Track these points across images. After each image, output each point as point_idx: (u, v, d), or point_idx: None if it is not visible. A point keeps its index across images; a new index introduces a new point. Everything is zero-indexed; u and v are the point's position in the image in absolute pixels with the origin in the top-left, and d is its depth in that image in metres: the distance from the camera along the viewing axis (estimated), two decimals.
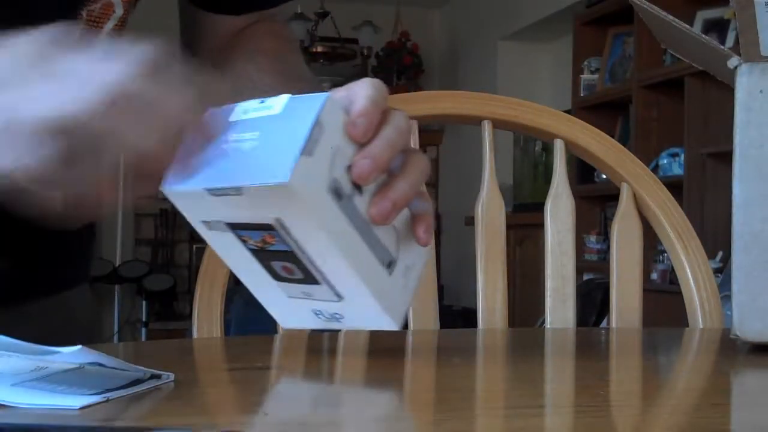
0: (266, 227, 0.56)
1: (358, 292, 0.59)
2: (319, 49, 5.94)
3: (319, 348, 0.87)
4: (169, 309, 5.94)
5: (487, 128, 1.04)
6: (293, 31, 4.31)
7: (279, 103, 0.57)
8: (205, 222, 0.60)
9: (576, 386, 0.66)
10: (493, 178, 1.04)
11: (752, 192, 0.76)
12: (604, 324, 3.73)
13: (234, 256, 0.60)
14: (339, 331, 0.68)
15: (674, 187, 3.01)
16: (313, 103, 0.56)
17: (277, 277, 0.60)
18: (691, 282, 1.01)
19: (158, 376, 0.56)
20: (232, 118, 0.58)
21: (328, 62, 5.93)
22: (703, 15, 3.81)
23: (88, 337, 0.97)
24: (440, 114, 1.05)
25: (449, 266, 6.02)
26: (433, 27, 6.69)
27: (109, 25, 0.84)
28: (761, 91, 0.75)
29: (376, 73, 6.39)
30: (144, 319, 5.82)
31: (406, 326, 0.99)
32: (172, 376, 0.57)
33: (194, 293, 0.94)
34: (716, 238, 3.34)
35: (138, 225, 6.19)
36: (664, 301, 3.24)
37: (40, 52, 0.56)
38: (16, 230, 0.87)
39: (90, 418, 0.48)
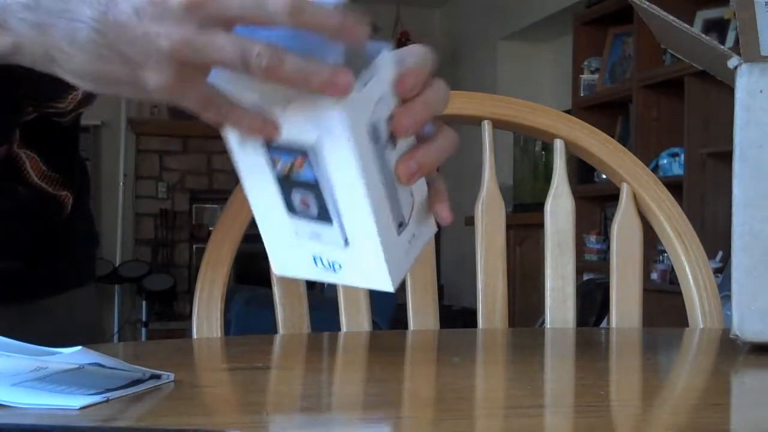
0: (300, 151, 0.56)
1: (368, 240, 0.59)
2: None
3: (319, 348, 0.87)
4: (169, 309, 5.94)
5: (487, 128, 1.04)
6: None
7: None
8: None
9: (576, 386, 0.66)
10: (493, 178, 1.04)
11: (752, 192, 0.76)
12: (604, 324, 3.73)
13: (256, 182, 0.60)
14: (334, 287, 0.66)
15: (674, 187, 3.01)
16: (370, 48, 0.57)
17: (291, 209, 0.60)
18: (691, 282, 1.01)
19: (158, 376, 0.56)
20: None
21: None
22: (703, 15, 3.81)
23: (93, 336, 0.98)
24: (440, 114, 1.05)
25: (449, 266, 6.02)
26: (433, 27, 6.69)
27: None
28: (761, 91, 0.75)
29: None
30: (144, 319, 5.82)
31: (406, 326, 0.99)
32: (172, 376, 0.57)
33: (194, 293, 0.94)
34: (716, 238, 3.34)
35: (138, 225, 6.19)
36: (664, 301, 3.25)
37: None
38: (24, 231, 0.88)
39: (90, 418, 0.48)
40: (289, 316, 0.96)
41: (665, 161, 3.88)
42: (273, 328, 0.96)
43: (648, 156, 3.84)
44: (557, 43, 5.56)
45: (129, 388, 0.53)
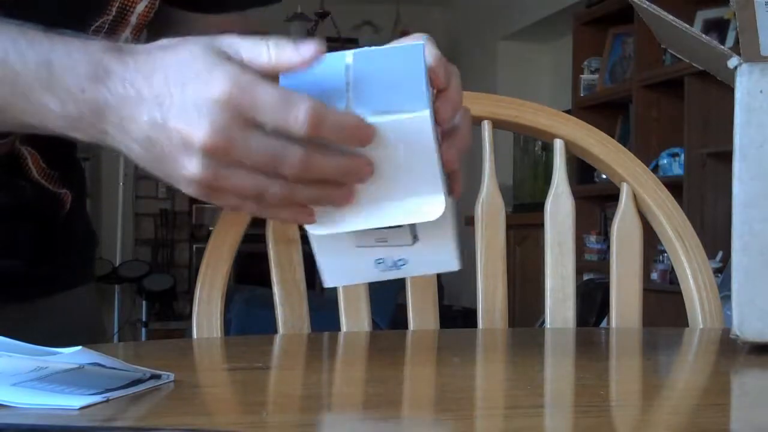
0: None
1: (437, 231, 0.61)
2: None
3: (319, 348, 0.87)
4: (169, 309, 5.94)
5: (487, 128, 1.04)
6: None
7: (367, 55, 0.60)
8: None
9: (576, 386, 0.66)
10: (493, 178, 1.04)
11: (752, 192, 0.76)
12: (604, 324, 3.73)
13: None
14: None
15: (674, 187, 3.01)
16: (415, 55, 0.60)
17: None
18: (691, 282, 1.00)
19: (158, 376, 0.56)
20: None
21: None
22: (703, 15, 3.80)
23: (93, 336, 0.98)
24: None
25: None
26: (433, 27, 6.69)
27: (126, 34, 0.85)
28: (761, 91, 0.75)
29: None
30: (144, 319, 5.82)
31: (406, 326, 0.99)
32: (172, 376, 0.57)
33: (194, 293, 0.94)
34: (716, 238, 3.34)
35: (138, 225, 6.19)
36: (664, 301, 3.25)
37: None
38: (24, 229, 0.88)
39: (90, 418, 0.48)
40: (289, 316, 0.96)
41: (665, 161, 3.88)
42: (273, 328, 0.96)
43: (648, 156, 3.83)
44: (557, 43, 5.56)
45: (129, 388, 0.53)
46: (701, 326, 0.99)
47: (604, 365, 0.76)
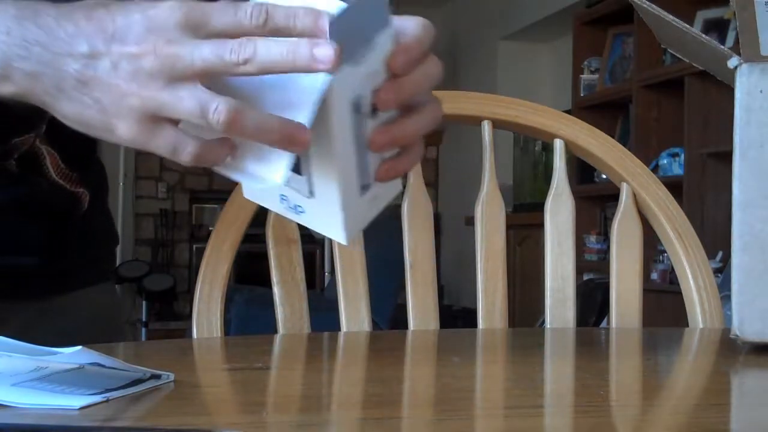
0: None
1: (329, 198, 0.61)
2: None
3: (319, 348, 0.87)
4: (169, 309, 5.94)
5: (487, 128, 1.04)
6: None
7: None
8: None
9: (576, 386, 0.66)
10: (493, 178, 1.04)
11: (752, 192, 0.76)
12: (604, 324, 3.73)
13: None
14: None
15: (674, 187, 3.00)
16: (373, 23, 0.60)
17: None
18: (691, 282, 1.01)
19: (158, 376, 0.56)
20: None
21: None
22: (703, 15, 3.80)
23: (111, 333, 0.98)
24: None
25: (449, 266, 6.02)
26: (434, 27, 6.68)
27: None
28: (761, 91, 0.75)
29: None
30: (144, 319, 5.82)
31: (406, 326, 0.99)
32: (172, 376, 0.57)
33: (194, 293, 0.94)
34: (716, 238, 3.34)
35: (138, 225, 6.19)
36: (664, 301, 3.25)
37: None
38: (44, 227, 0.88)
39: (90, 418, 0.48)
40: (289, 316, 0.96)
41: (665, 161, 3.88)
42: (273, 328, 0.96)
43: (648, 156, 3.83)
44: (557, 43, 5.56)
45: (129, 388, 0.53)
46: (701, 326, 0.99)
47: (604, 365, 0.76)
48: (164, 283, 5.84)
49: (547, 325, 1.02)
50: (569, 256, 1.03)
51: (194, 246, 6.21)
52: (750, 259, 0.76)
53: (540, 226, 1.06)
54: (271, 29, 0.57)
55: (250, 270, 4.41)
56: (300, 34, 0.57)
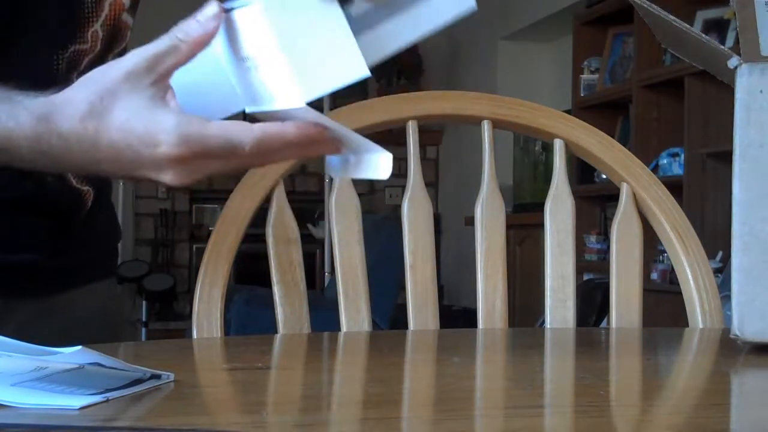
0: None
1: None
2: None
3: (319, 348, 0.87)
4: (169, 309, 5.93)
5: (487, 128, 1.04)
6: None
7: None
8: None
9: (576, 386, 0.66)
10: (493, 178, 1.04)
11: (752, 192, 0.76)
12: (604, 324, 3.73)
13: None
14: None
15: (674, 187, 3.01)
16: None
17: None
18: (691, 282, 1.01)
19: (158, 376, 0.56)
20: None
21: None
22: (703, 15, 3.80)
23: (115, 330, 0.99)
24: (440, 114, 1.06)
25: (449, 266, 6.02)
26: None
27: (85, 62, 0.87)
28: (761, 91, 0.75)
29: (376, 73, 6.39)
30: (144, 319, 5.82)
31: (406, 326, 0.99)
32: (172, 376, 0.57)
33: (194, 293, 0.94)
34: (716, 238, 3.33)
35: (138, 225, 6.19)
36: (664, 301, 3.25)
37: None
38: (48, 224, 0.89)
39: (90, 418, 0.48)
40: (289, 316, 0.96)
41: (665, 161, 3.87)
42: (273, 328, 0.96)
43: (648, 156, 3.83)
44: (557, 43, 5.56)
45: (129, 388, 0.53)
46: (701, 326, 0.99)
47: (604, 365, 0.76)
48: (164, 283, 5.83)
49: (547, 325, 1.02)
50: (569, 256, 1.03)
51: (194, 246, 6.21)
52: (750, 259, 0.76)
53: (540, 226, 1.06)
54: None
55: (250, 270, 4.41)
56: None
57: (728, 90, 0.78)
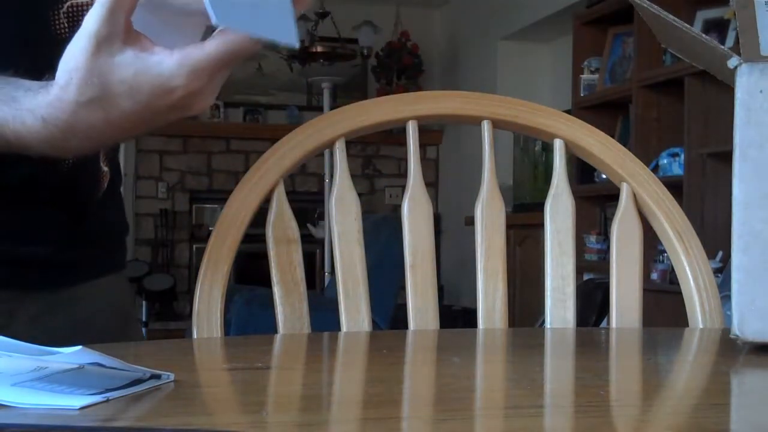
0: None
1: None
2: (319, 49, 5.94)
3: (319, 348, 0.87)
4: (169, 309, 5.93)
5: (487, 128, 1.04)
6: None
7: None
8: None
9: (576, 386, 0.66)
10: (493, 178, 1.04)
11: (752, 192, 0.76)
12: (604, 324, 3.73)
13: None
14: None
15: (674, 187, 3.01)
16: None
17: None
18: (691, 282, 1.01)
19: (158, 376, 0.56)
20: None
21: (327, 62, 5.93)
22: (703, 15, 3.80)
23: (125, 324, 0.99)
24: (440, 114, 1.06)
25: (449, 266, 6.02)
26: (433, 27, 6.69)
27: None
28: (761, 91, 0.75)
29: (376, 74, 6.39)
30: (144, 319, 5.82)
31: (406, 326, 0.99)
32: (172, 376, 0.57)
33: (194, 293, 0.94)
34: (716, 238, 3.33)
35: (138, 225, 6.19)
36: (664, 301, 3.25)
37: None
38: (57, 217, 0.89)
39: (90, 418, 0.48)
40: (289, 316, 0.96)
41: (665, 161, 3.88)
42: (273, 328, 0.96)
43: (648, 156, 3.83)
44: (557, 43, 5.56)
45: (129, 388, 0.53)
46: (701, 326, 0.99)
47: (604, 365, 0.76)
48: (164, 283, 5.83)
49: (547, 325, 1.02)
50: (569, 256, 1.03)
51: (194, 246, 6.21)
52: (750, 259, 0.76)
53: (540, 226, 1.06)
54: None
55: (250, 270, 4.41)
56: None
57: (728, 90, 0.78)
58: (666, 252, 1.07)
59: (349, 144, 1.01)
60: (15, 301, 0.87)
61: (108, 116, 0.66)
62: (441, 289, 5.81)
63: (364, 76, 6.41)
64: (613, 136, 1.10)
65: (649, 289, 2.76)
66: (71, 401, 0.49)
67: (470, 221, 1.06)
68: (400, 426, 0.51)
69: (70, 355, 0.52)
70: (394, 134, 4.98)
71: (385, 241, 3.35)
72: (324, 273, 5.39)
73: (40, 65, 0.69)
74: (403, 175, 1.02)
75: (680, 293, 1.02)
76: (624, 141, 4.09)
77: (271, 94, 6.46)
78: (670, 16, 0.79)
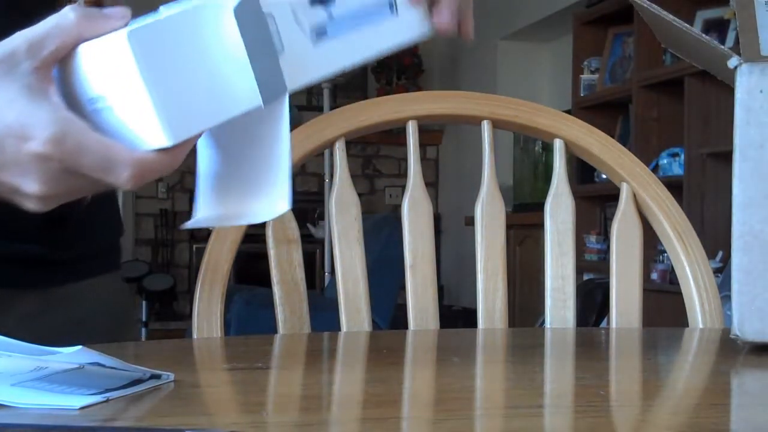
0: None
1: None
2: None
3: (319, 348, 0.87)
4: (169, 309, 5.94)
5: (487, 128, 1.04)
6: None
7: None
8: None
9: (576, 386, 0.66)
10: (493, 178, 1.04)
11: (752, 192, 0.76)
12: (604, 324, 3.73)
13: None
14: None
15: (674, 187, 3.01)
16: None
17: None
18: (691, 282, 1.01)
19: (158, 376, 0.56)
20: None
21: None
22: (703, 15, 3.81)
23: (119, 325, 0.98)
24: (440, 114, 1.06)
25: (449, 266, 6.02)
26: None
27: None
28: (761, 91, 0.75)
29: (376, 74, 6.39)
30: (144, 319, 5.82)
31: (406, 326, 0.99)
32: (172, 376, 0.57)
33: (194, 293, 0.94)
34: (716, 238, 3.34)
35: (138, 225, 6.19)
36: (664, 301, 3.25)
37: None
38: (50, 216, 0.88)
39: (90, 418, 0.48)
40: (289, 316, 0.96)
41: (665, 161, 3.88)
42: (273, 328, 0.96)
43: (648, 156, 3.84)
44: (557, 43, 5.56)
45: (129, 388, 0.53)
46: (701, 326, 0.99)
47: (604, 365, 0.76)
48: (164, 283, 5.83)
49: (547, 325, 1.02)
50: (569, 256, 1.03)
51: (194, 246, 6.21)
52: (750, 259, 0.76)
53: (540, 226, 1.06)
54: None
55: (250, 270, 4.41)
56: None
57: (728, 90, 0.78)
58: (666, 252, 1.07)
59: (349, 144, 1.01)
60: (6, 299, 0.86)
61: None
62: (441, 289, 5.81)
63: (364, 76, 6.41)
64: (613, 136, 1.10)
65: (649, 289, 2.76)
66: (71, 401, 0.49)
67: (470, 221, 1.06)
68: (400, 426, 0.51)
69: (70, 355, 0.52)
70: (394, 134, 4.98)
71: (385, 241, 3.35)
72: (324, 273, 5.39)
73: None
74: (403, 175, 1.02)
75: (680, 293, 1.02)
76: (624, 141, 4.09)
77: None
78: (670, 16, 0.79)
